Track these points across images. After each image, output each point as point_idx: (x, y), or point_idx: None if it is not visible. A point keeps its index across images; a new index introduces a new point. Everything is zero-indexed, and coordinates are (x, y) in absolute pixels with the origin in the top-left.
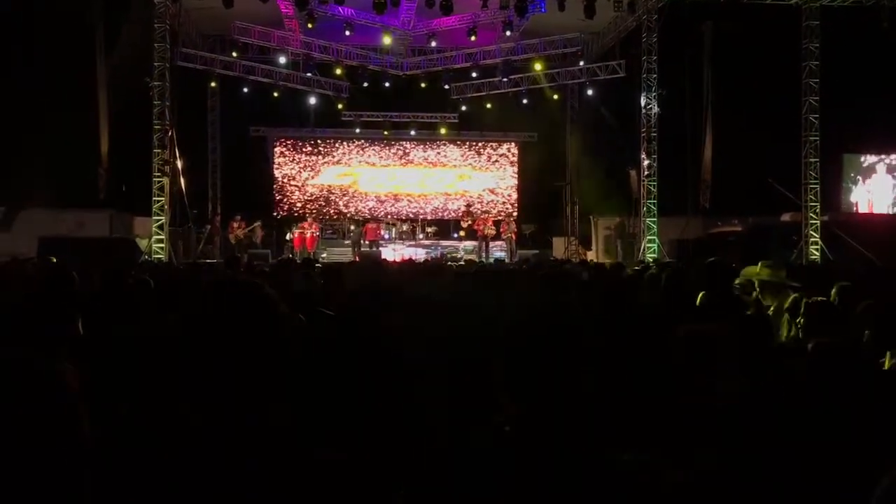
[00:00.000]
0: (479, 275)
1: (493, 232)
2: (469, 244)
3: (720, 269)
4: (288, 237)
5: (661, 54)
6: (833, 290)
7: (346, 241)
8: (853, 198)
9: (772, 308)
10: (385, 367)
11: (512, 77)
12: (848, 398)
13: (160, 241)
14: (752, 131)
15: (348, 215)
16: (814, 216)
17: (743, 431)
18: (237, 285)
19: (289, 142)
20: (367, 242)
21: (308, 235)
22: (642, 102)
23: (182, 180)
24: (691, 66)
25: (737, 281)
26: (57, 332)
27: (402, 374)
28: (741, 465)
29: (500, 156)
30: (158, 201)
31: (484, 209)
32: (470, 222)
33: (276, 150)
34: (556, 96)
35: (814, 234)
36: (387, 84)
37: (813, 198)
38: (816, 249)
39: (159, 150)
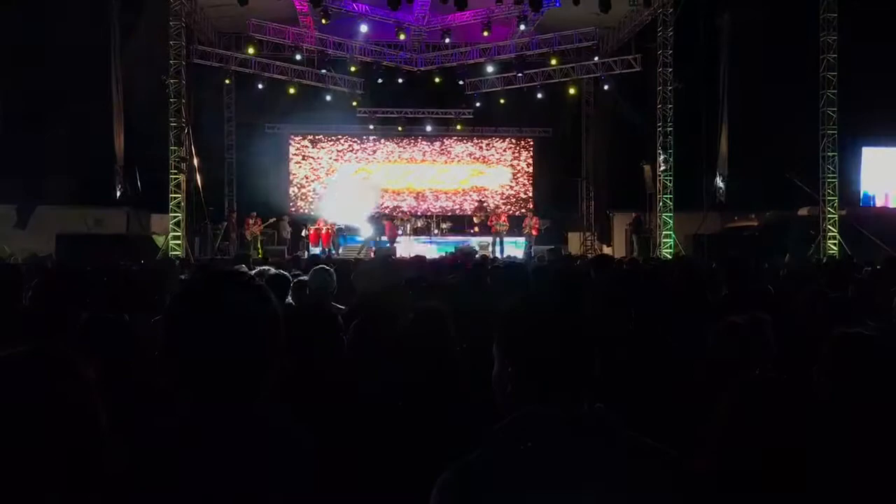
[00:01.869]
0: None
1: (506, 227)
2: (484, 239)
3: (740, 263)
4: (303, 233)
5: (676, 48)
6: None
7: (360, 238)
8: (870, 192)
9: None
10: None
11: (527, 72)
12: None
13: (177, 238)
14: (769, 125)
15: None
16: (832, 210)
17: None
18: (225, 276)
19: (304, 138)
20: (385, 239)
21: (323, 231)
22: (658, 97)
23: (198, 177)
24: (707, 60)
25: None
26: (72, 326)
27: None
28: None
29: (515, 151)
30: (175, 198)
31: (497, 205)
32: (483, 218)
33: (291, 146)
34: (571, 91)
35: (832, 228)
36: (401, 80)
37: (831, 192)
38: (834, 244)
39: (175, 148)
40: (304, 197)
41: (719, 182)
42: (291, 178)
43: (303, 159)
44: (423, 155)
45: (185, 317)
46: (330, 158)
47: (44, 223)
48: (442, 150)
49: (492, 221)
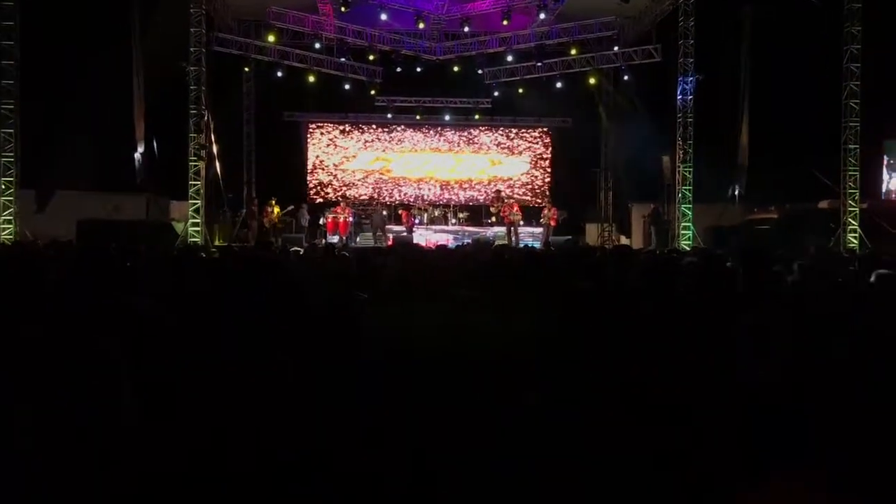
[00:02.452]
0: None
1: (520, 217)
2: (500, 230)
3: (758, 256)
4: (321, 221)
5: (697, 38)
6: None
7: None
8: (893, 185)
9: None
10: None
11: (546, 62)
12: None
13: (196, 224)
14: (790, 116)
15: (381, 200)
16: (853, 203)
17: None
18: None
19: (322, 127)
20: (404, 228)
21: (341, 220)
22: (678, 87)
23: (217, 164)
24: (729, 50)
25: None
26: (99, 308)
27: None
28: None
29: (534, 141)
30: (194, 185)
31: (515, 195)
32: (500, 207)
33: (309, 134)
34: (591, 81)
35: (852, 221)
36: (419, 69)
37: (852, 185)
38: (855, 237)
39: (195, 135)
40: (323, 185)
41: (739, 174)
42: (310, 165)
43: (321, 147)
44: (441, 144)
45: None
46: (348, 147)
47: (64, 208)
48: (460, 139)
49: (505, 212)
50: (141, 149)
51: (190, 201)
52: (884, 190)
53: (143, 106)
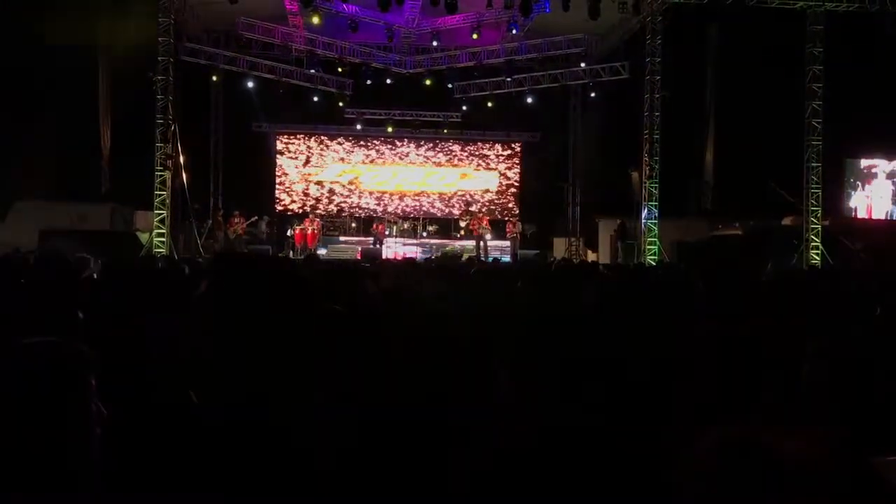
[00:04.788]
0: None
1: (489, 231)
2: (469, 243)
3: (720, 273)
4: (289, 233)
5: (665, 56)
6: None
7: (342, 239)
8: (852, 203)
9: None
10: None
11: (515, 77)
12: None
13: (161, 235)
14: (755, 134)
15: (349, 212)
16: (815, 220)
17: None
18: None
19: (290, 138)
20: (373, 239)
21: (309, 232)
22: (645, 104)
23: (184, 175)
24: (695, 69)
25: None
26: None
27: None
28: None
29: (503, 155)
30: (160, 196)
31: (484, 208)
32: (469, 220)
33: (277, 146)
34: (560, 96)
35: (814, 238)
36: (389, 82)
37: (814, 202)
38: (817, 254)
39: (162, 145)
40: (291, 196)
41: (705, 190)
42: (277, 177)
43: (289, 159)
44: (411, 157)
45: None
46: (316, 158)
47: (28, 218)
48: (429, 152)
49: (474, 225)
50: (107, 159)
51: (155, 211)
52: (845, 207)
53: (110, 115)
